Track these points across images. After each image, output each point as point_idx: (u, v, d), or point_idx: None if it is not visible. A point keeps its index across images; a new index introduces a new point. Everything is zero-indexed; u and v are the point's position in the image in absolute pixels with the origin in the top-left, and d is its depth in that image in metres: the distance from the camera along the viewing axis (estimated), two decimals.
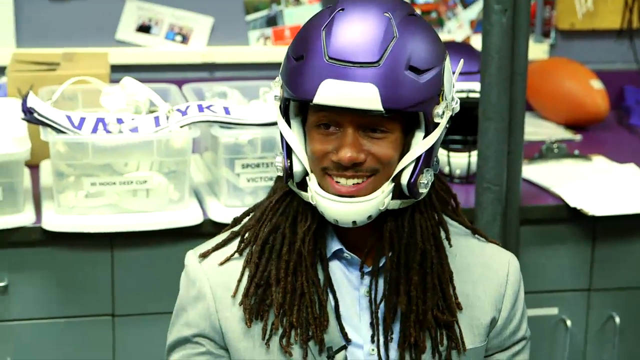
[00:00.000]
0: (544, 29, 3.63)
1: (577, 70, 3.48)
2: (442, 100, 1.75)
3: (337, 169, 1.74)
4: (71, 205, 2.58)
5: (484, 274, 1.90)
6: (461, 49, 3.01)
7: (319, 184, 1.76)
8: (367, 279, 1.84)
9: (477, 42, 3.11)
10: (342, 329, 1.83)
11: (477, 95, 2.72)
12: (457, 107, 1.81)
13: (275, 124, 2.58)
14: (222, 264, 1.85)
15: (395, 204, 1.78)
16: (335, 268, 1.84)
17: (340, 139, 1.73)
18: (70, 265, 2.63)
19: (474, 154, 2.81)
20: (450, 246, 1.88)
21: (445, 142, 2.88)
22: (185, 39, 3.38)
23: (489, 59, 2.51)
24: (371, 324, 1.83)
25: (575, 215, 2.80)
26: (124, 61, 3.29)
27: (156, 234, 2.61)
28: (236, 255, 1.85)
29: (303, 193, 1.80)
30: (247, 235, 1.86)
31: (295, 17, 3.43)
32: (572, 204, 2.79)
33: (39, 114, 2.52)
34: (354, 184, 1.74)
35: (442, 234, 1.87)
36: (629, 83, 3.68)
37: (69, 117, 2.55)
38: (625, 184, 2.97)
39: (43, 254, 2.61)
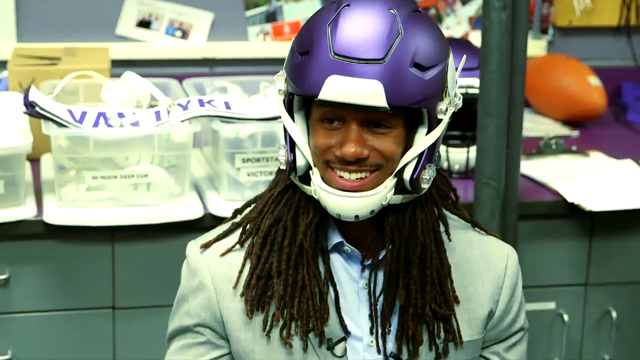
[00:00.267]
0: (542, 25, 3.63)
1: (575, 67, 3.48)
2: (446, 96, 1.76)
3: (340, 163, 1.74)
4: (72, 199, 2.59)
5: (483, 266, 1.91)
6: (460, 45, 3.00)
7: (322, 178, 1.77)
8: (367, 272, 1.85)
9: (475, 38, 3.11)
10: (341, 321, 1.84)
11: (475, 91, 2.71)
12: (460, 103, 1.81)
13: (275, 118, 2.62)
14: (223, 255, 1.86)
15: (398, 198, 1.79)
16: (336, 261, 1.85)
17: (344, 134, 1.73)
18: (71, 259, 2.63)
19: (473, 149, 2.81)
20: (450, 240, 1.89)
21: (444, 138, 2.85)
22: (185, 35, 3.39)
23: (489, 55, 2.52)
24: (370, 316, 1.84)
25: (573, 211, 2.81)
26: (125, 56, 3.29)
27: (157, 227, 2.61)
28: (237, 246, 1.86)
29: (306, 187, 1.80)
30: (248, 226, 1.87)
31: (295, 13, 3.44)
32: (569, 200, 2.80)
33: (41, 108, 2.52)
34: (357, 179, 1.75)
35: (442, 228, 1.88)
36: (626, 80, 3.68)
37: (70, 111, 2.56)
38: (623, 180, 2.97)
39: (44, 247, 2.61)
